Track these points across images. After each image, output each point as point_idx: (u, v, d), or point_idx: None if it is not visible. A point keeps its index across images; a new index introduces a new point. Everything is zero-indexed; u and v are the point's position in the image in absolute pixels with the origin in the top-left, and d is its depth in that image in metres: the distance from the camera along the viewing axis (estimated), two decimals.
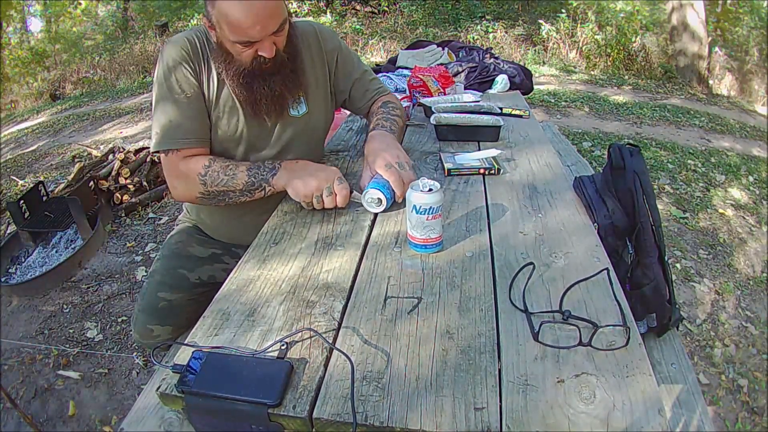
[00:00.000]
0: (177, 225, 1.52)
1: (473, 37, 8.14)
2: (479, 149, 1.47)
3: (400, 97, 2.08)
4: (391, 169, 1.11)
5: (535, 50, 8.06)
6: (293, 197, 1.13)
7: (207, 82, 1.19)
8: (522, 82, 2.46)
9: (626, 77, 7.42)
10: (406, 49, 3.08)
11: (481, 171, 1.29)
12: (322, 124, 1.40)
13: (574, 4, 8.36)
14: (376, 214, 1.11)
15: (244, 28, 1.03)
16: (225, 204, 1.22)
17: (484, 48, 2.90)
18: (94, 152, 4.08)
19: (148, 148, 3.63)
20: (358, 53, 8.22)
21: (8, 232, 3.14)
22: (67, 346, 2.18)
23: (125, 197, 3.33)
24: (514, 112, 1.83)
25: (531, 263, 0.90)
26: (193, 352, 0.72)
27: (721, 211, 3.45)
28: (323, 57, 1.33)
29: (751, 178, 4.06)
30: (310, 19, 9.10)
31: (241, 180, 1.15)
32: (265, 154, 1.29)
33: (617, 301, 0.81)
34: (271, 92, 1.17)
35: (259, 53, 1.09)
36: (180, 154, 1.18)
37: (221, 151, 1.25)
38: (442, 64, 2.62)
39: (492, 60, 2.58)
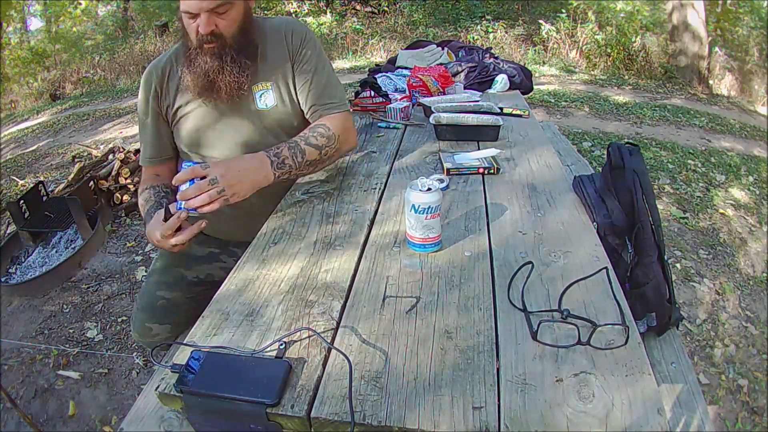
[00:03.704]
0: None
1: (473, 37, 8.14)
2: (479, 149, 1.47)
3: (399, 97, 2.08)
4: (200, 182, 1.03)
5: (535, 50, 8.06)
6: None
7: (166, 93, 1.28)
8: (522, 81, 2.46)
9: (626, 77, 7.42)
10: (406, 48, 3.08)
11: (480, 170, 1.29)
12: (293, 119, 1.31)
13: (574, 4, 8.36)
14: (375, 213, 1.11)
15: None
16: None
17: (484, 48, 2.90)
18: (94, 152, 4.08)
19: None
20: (358, 53, 8.24)
21: (8, 232, 3.14)
22: (67, 346, 2.18)
23: (125, 197, 3.33)
24: (514, 112, 1.83)
25: (530, 262, 0.90)
26: (192, 352, 0.72)
27: (721, 211, 3.45)
28: (287, 51, 1.27)
29: (751, 178, 4.05)
30: (310, 19, 9.11)
31: (144, 215, 1.23)
32: (236, 148, 1.28)
33: (616, 300, 0.81)
34: (204, 75, 1.19)
35: (198, 28, 1.14)
36: (146, 170, 1.35)
37: (193, 147, 1.30)
38: (441, 63, 2.61)
39: (492, 60, 2.58)
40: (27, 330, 2.30)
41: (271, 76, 1.26)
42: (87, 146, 4.59)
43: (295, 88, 1.30)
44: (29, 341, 2.22)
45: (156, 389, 0.69)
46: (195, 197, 1.02)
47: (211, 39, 1.15)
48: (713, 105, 6.43)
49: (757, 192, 3.85)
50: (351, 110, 1.37)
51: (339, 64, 7.72)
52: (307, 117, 1.32)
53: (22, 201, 2.89)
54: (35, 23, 11.41)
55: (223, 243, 1.44)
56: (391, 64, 2.83)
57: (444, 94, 2.11)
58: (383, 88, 2.12)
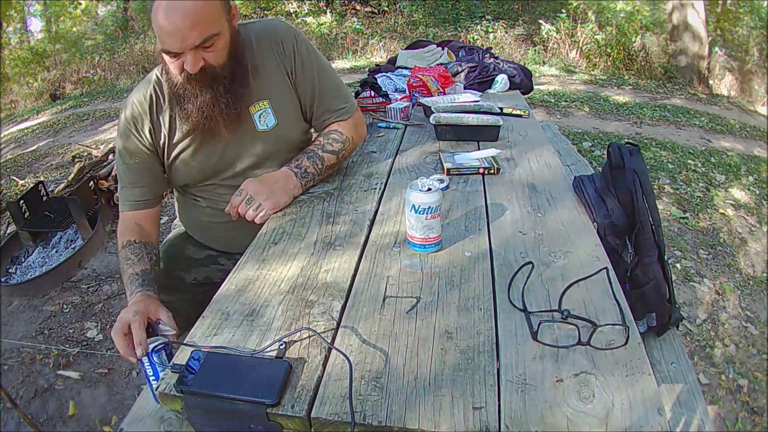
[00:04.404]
0: (173, 228, 1.52)
1: (473, 37, 8.14)
2: (479, 149, 1.47)
3: (399, 97, 2.08)
4: (236, 197, 1.16)
5: (535, 50, 8.06)
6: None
7: (160, 126, 1.18)
8: (522, 81, 2.46)
9: (626, 77, 7.41)
10: (406, 48, 3.08)
11: (480, 171, 1.29)
12: (295, 133, 1.28)
13: (574, 4, 8.36)
14: (376, 213, 1.11)
15: (164, 37, 0.98)
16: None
17: (484, 48, 2.90)
18: (94, 152, 4.08)
19: None
20: (358, 53, 8.23)
21: (8, 232, 3.14)
22: (67, 346, 2.18)
23: None
24: (514, 112, 1.83)
25: (530, 263, 0.90)
26: (192, 352, 0.72)
27: (721, 211, 3.45)
28: (279, 63, 1.20)
29: (751, 178, 4.05)
30: (310, 19, 9.10)
31: (124, 280, 1.13)
32: (248, 171, 1.25)
33: (616, 300, 0.81)
34: (198, 111, 1.09)
35: (185, 66, 1.03)
36: (127, 218, 1.23)
37: (197, 178, 1.25)
38: (441, 63, 2.61)
39: (492, 60, 2.58)
40: (27, 330, 2.30)
41: (266, 92, 1.20)
42: (87, 146, 4.59)
43: (297, 100, 1.25)
44: (29, 341, 2.22)
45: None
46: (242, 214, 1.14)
47: (199, 76, 1.04)
48: (713, 105, 6.43)
49: (757, 192, 3.85)
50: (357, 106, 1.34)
51: (339, 64, 7.72)
52: (315, 125, 1.31)
53: (22, 201, 2.89)
54: (35, 23, 11.40)
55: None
56: (391, 64, 2.83)
57: (444, 94, 2.11)
58: (383, 88, 2.12)
